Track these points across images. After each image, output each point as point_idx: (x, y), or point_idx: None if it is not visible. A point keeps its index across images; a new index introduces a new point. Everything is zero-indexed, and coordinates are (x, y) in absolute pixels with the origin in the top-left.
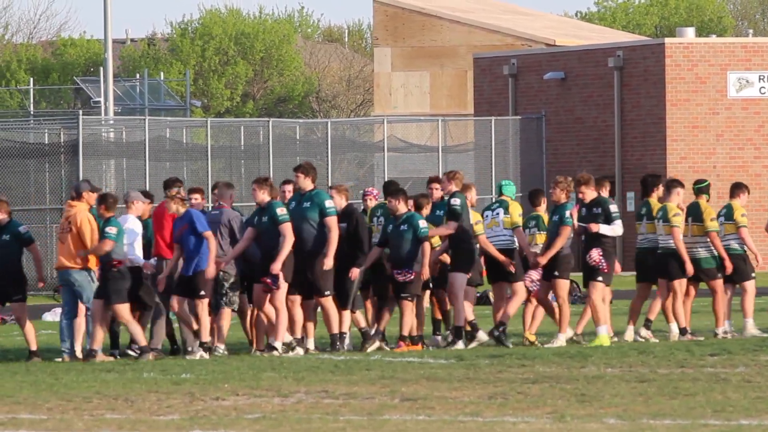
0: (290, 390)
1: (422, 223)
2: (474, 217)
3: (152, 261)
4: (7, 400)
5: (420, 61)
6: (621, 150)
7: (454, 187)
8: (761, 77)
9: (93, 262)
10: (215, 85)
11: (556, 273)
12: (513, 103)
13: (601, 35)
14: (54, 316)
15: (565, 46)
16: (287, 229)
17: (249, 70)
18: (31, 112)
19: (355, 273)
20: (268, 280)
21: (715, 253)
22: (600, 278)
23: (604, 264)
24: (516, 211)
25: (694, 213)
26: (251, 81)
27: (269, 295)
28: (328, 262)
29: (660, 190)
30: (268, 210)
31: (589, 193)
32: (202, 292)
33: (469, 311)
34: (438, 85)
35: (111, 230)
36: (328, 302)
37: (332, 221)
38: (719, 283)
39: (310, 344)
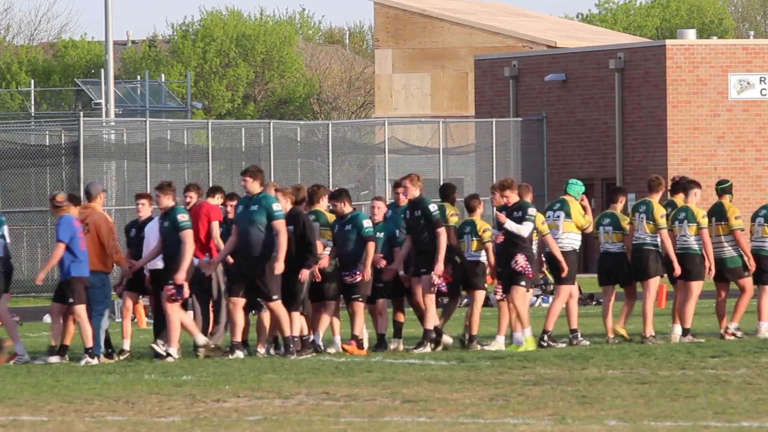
0: (291, 392)
1: (366, 223)
2: (539, 217)
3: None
4: (8, 402)
5: (421, 63)
6: (622, 152)
7: (417, 191)
8: (762, 79)
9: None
10: (216, 87)
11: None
12: (514, 104)
13: (602, 37)
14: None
15: (566, 47)
16: (188, 236)
17: (250, 71)
18: (32, 114)
19: (305, 275)
20: (173, 290)
21: (740, 252)
22: (523, 282)
23: (530, 270)
24: (576, 213)
25: (718, 213)
26: (252, 83)
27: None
28: (279, 267)
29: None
30: (170, 215)
31: (513, 197)
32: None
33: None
34: (439, 87)
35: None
36: (277, 306)
37: (280, 224)
38: (748, 281)
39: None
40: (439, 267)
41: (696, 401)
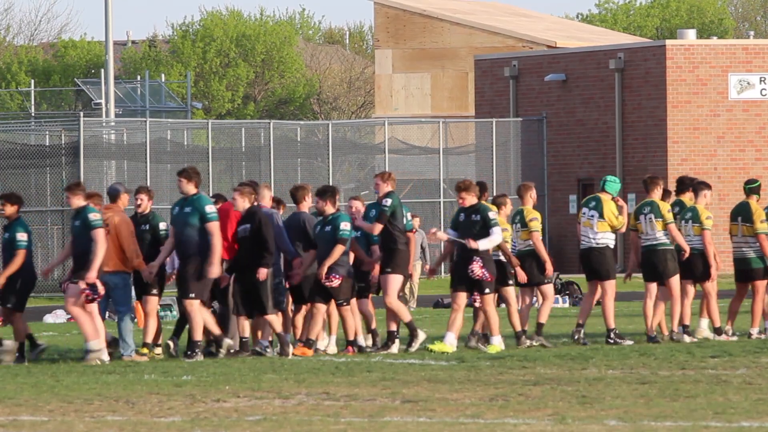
0: (291, 392)
1: (343, 225)
2: (530, 214)
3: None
4: (8, 402)
5: (421, 63)
6: (622, 152)
7: (389, 188)
8: (762, 79)
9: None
10: (216, 87)
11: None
12: (514, 104)
13: (602, 37)
14: (55, 317)
15: (566, 48)
16: (99, 234)
17: (250, 71)
18: (32, 114)
19: (263, 273)
20: (88, 291)
21: (761, 254)
22: (488, 290)
23: (487, 275)
24: (610, 213)
25: (744, 213)
26: (252, 83)
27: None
28: (212, 270)
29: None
30: (82, 215)
31: (469, 199)
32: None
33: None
34: (439, 87)
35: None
36: (192, 306)
37: (213, 227)
38: (763, 284)
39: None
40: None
41: (696, 401)
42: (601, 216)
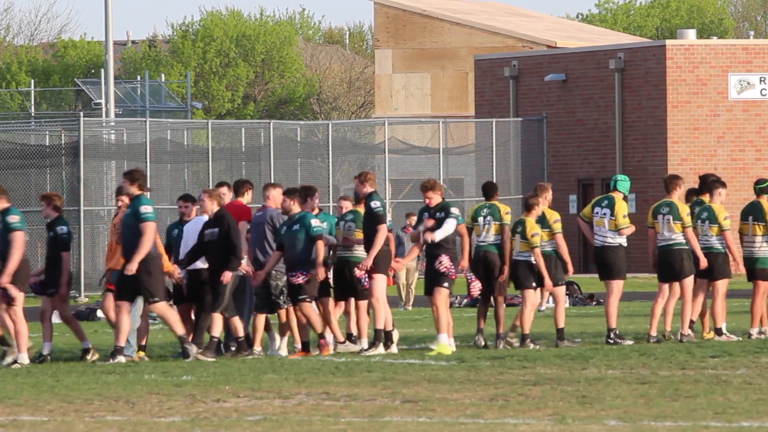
0: (291, 392)
1: (315, 222)
2: (553, 215)
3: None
4: (8, 402)
5: (421, 63)
6: (622, 152)
7: (369, 189)
8: (762, 79)
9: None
10: (216, 87)
11: (445, 284)
12: (514, 104)
13: (602, 37)
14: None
15: (566, 47)
16: (17, 238)
17: (250, 71)
18: (32, 114)
19: (227, 276)
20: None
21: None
22: (446, 284)
23: (453, 271)
24: (620, 212)
25: (755, 213)
26: (252, 83)
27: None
28: (130, 267)
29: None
30: (2, 217)
31: (435, 198)
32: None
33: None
34: (439, 87)
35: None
36: (159, 308)
37: (145, 227)
38: (766, 285)
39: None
40: (367, 262)
41: (696, 401)
42: (613, 215)
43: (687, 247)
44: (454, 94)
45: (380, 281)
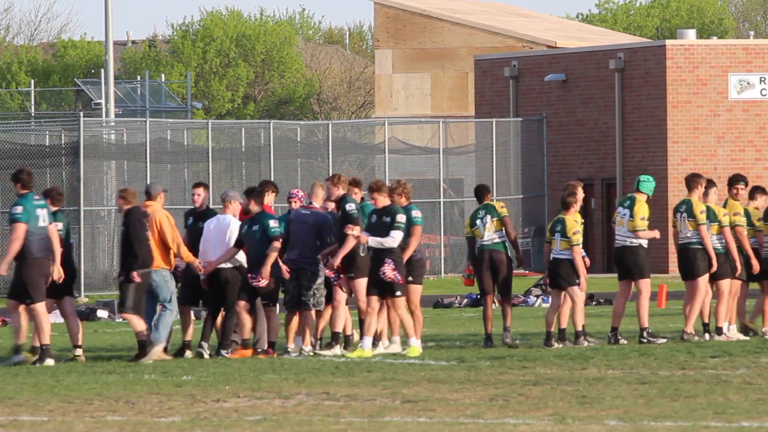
0: (291, 392)
1: (272, 223)
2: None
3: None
4: (8, 402)
5: (421, 63)
6: (622, 152)
7: (341, 191)
8: (762, 79)
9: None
10: (216, 87)
11: (410, 278)
12: (514, 104)
13: (602, 37)
14: (55, 318)
15: (566, 47)
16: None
17: (250, 71)
18: (32, 114)
19: (133, 276)
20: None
21: None
22: (399, 293)
23: (399, 277)
24: (638, 214)
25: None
26: (252, 83)
27: None
28: (1, 268)
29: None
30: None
31: (381, 200)
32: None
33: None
34: (439, 87)
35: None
36: (33, 309)
37: (13, 227)
38: None
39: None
40: (335, 261)
41: (696, 401)
42: (632, 215)
43: (702, 247)
44: (454, 94)
45: (362, 284)
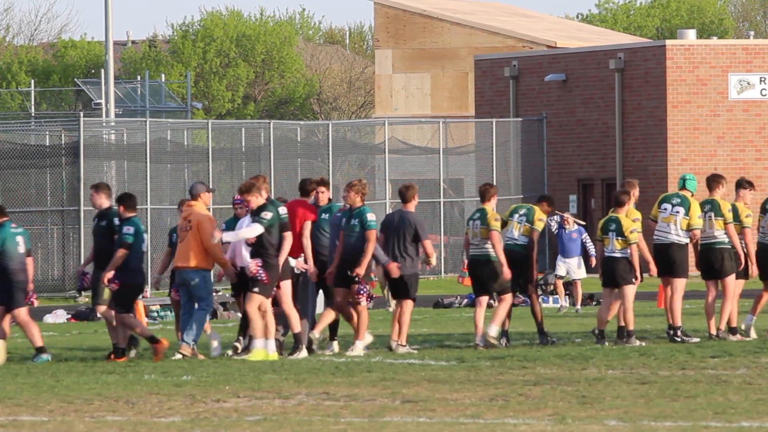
0: (291, 392)
1: (126, 230)
2: (632, 213)
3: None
4: (8, 402)
5: (421, 63)
6: (622, 152)
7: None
8: (762, 79)
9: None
10: (216, 87)
11: (356, 279)
12: (514, 104)
13: (602, 37)
14: (55, 318)
15: (566, 48)
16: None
17: (250, 72)
18: (32, 114)
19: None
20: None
21: None
22: (257, 289)
23: (263, 275)
24: (695, 213)
25: None
26: (252, 83)
27: None
28: None
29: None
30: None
31: (254, 201)
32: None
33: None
34: (439, 87)
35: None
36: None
37: None
38: None
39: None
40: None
41: (696, 401)
42: (687, 214)
43: (729, 246)
44: (454, 94)
45: (286, 288)
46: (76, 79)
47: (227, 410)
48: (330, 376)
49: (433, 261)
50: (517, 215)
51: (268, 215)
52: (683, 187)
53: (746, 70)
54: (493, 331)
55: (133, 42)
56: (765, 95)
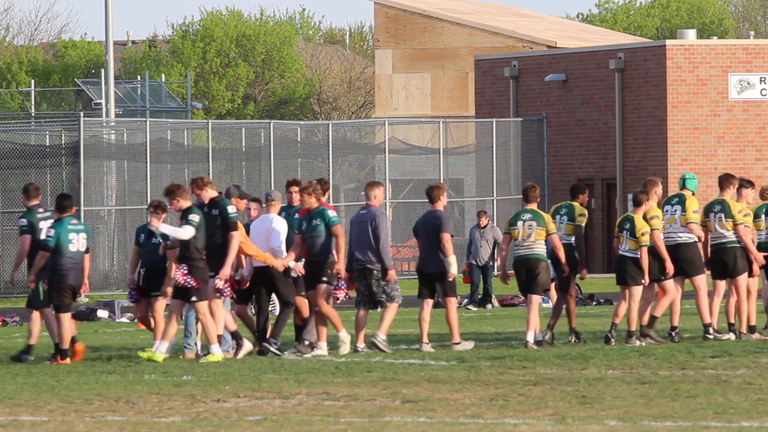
0: (291, 392)
1: (48, 232)
2: (652, 211)
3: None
4: (8, 402)
5: (421, 63)
6: (622, 152)
7: (214, 192)
8: (762, 79)
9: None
10: (216, 87)
11: (324, 279)
12: (514, 104)
13: (602, 37)
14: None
15: (567, 48)
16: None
17: (250, 72)
18: (32, 114)
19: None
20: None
21: None
22: (194, 298)
23: (192, 281)
24: (691, 207)
25: None
26: (252, 83)
27: None
28: None
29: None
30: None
31: (183, 203)
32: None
33: (230, 320)
34: (439, 87)
35: (194, 218)
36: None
37: None
38: None
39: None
40: (225, 271)
41: (696, 401)
42: (684, 210)
43: (740, 245)
44: (454, 94)
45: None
46: (76, 79)
47: (227, 410)
48: (330, 376)
49: (452, 261)
50: (558, 216)
51: (195, 218)
52: (683, 186)
53: (746, 70)
54: (530, 337)
55: (133, 42)
56: (765, 95)
